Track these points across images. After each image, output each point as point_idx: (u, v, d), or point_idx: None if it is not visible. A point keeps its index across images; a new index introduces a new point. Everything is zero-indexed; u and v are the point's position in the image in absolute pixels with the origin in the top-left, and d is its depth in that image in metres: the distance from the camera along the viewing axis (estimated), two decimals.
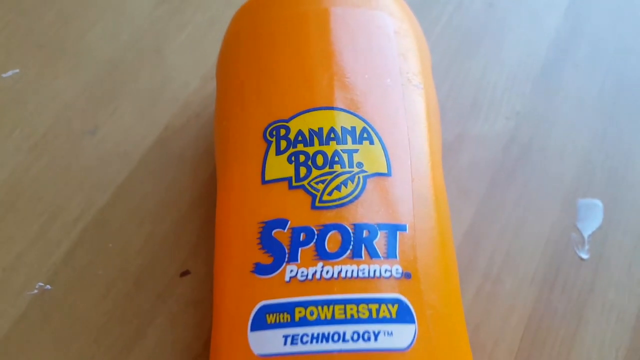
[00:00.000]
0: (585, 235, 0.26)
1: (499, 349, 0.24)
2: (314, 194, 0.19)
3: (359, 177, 0.20)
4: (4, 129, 0.29)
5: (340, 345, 0.17)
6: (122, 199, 0.27)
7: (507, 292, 0.25)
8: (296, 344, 0.17)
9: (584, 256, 0.26)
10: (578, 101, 0.30)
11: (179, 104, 0.30)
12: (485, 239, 0.26)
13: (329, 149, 0.20)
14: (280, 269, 0.18)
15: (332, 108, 0.21)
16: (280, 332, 0.17)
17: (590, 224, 0.26)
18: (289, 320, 0.17)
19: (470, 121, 0.29)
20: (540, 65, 0.31)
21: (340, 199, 0.19)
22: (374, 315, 0.17)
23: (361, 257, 0.18)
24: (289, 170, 0.20)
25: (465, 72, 0.31)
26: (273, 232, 0.19)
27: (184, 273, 0.25)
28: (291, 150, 0.20)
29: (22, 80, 0.31)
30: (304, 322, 0.17)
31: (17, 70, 0.31)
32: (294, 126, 0.21)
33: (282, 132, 0.21)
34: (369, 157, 0.20)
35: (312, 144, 0.20)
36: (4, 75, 0.31)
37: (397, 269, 0.18)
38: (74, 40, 0.32)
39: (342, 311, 0.17)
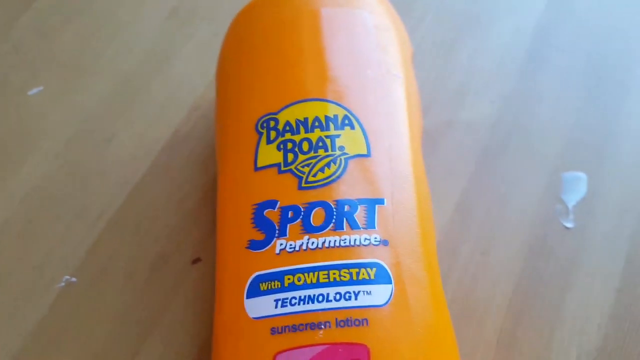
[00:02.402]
0: (570, 205, 0.28)
1: (489, 315, 0.25)
2: (300, 176, 0.21)
3: (340, 159, 0.22)
4: (31, 140, 0.32)
5: (324, 305, 0.19)
6: (138, 197, 0.30)
7: (496, 261, 0.26)
8: (286, 306, 0.19)
9: (569, 225, 0.27)
10: (561, 83, 0.31)
11: (187, 108, 0.32)
12: (473, 213, 0.28)
13: (313, 136, 0.22)
14: (271, 243, 0.20)
15: (316, 99, 0.23)
16: (271, 297, 0.19)
17: (575, 196, 0.28)
18: (279, 286, 0.19)
19: (458, 107, 0.31)
20: (525, 50, 0.33)
21: (324, 179, 0.21)
22: (354, 278, 0.19)
23: (342, 228, 0.20)
24: (278, 157, 0.22)
25: (452, 61, 0.33)
26: (264, 212, 0.21)
27: (195, 260, 0.28)
28: (280, 139, 0.22)
29: (45, 97, 0.34)
30: (292, 287, 0.19)
31: (41, 88, 0.34)
32: (282, 118, 0.23)
33: (272, 123, 0.23)
34: (350, 141, 0.22)
35: (298, 132, 0.22)
36: (29, 93, 0.34)
37: (375, 238, 0.20)
38: (91, 58, 0.35)
39: (326, 276, 0.19)
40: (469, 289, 0.26)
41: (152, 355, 0.26)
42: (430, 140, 0.29)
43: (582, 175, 0.28)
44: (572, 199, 0.28)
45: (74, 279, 0.28)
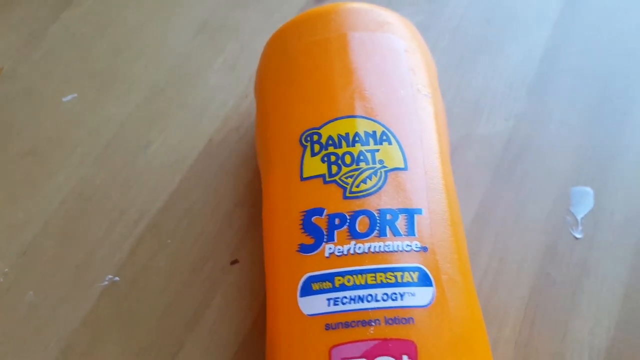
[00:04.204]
0: (579, 217, 0.30)
1: (508, 316, 0.28)
2: (344, 186, 0.24)
3: (380, 172, 0.24)
4: (68, 145, 0.34)
5: (373, 304, 0.21)
6: (175, 202, 0.32)
7: (512, 268, 0.29)
8: (338, 304, 0.21)
9: (578, 236, 0.30)
10: (568, 103, 0.34)
11: (219, 120, 0.34)
12: (490, 223, 0.30)
13: (354, 150, 0.24)
14: (321, 247, 0.22)
15: (355, 116, 0.25)
16: (324, 297, 0.21)
17: (583, 209, 0.30)
18: (330, 287, 0.21)
19: (474, 123, 0.33)
20: (534, 72, 0.35)
21: (366, 190, 0.23)
22: (399, 280, 0.21)
23: (386, 235, 0.22)
24: (322, 169, 0.24)
25: (467, 80, 0.35)
26: (312, 218, 0.23)
27: (234, 262, 0.30)
28: (323, 152, 0.25)
29: (80, 103, 0.36)
30: (343, 287, 0.21)
31: (76, 95, 0.36)
32: (325, 132, 0.25)
33: (315, 137, 0.25)
34: (388, 155, 0.24)
35: (340, 147, 0.25)
36: (64, 99, 0.36)
37: (416, 244, 0.22)
38: (123, 68, 0.37)
39: (373, 278, 0.21)
40: (489, 293, 0.28)
41: (195, 351, 0.28)
42: (450, 154, 0.31)
43: (589, 190, 0.31)
44: (580, 212, 0.30)
45: (116, 278, 0.30)
